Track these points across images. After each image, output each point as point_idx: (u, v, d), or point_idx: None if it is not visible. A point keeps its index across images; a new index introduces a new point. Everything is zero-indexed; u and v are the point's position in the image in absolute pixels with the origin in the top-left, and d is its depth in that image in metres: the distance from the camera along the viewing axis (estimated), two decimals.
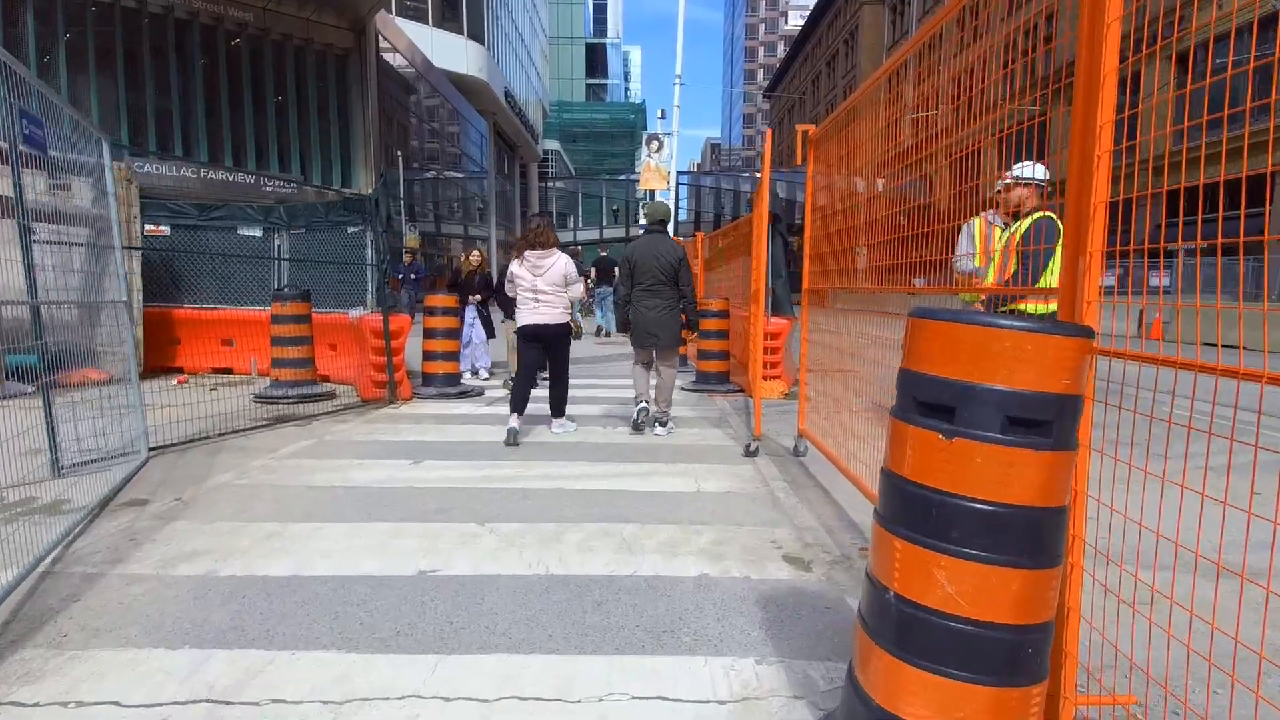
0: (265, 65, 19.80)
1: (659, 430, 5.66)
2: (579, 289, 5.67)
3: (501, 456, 4.94)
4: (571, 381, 5.98)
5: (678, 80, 20.67)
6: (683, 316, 5.72)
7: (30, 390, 8.17)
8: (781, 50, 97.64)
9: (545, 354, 5.64)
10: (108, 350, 9.38)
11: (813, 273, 4.80)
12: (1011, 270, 3.90)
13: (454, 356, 7.87)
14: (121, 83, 17.38)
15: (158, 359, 9.17)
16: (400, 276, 14.08)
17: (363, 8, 20.57)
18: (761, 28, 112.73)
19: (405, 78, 27.08)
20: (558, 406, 5.72)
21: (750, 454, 4.99)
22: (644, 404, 5.72)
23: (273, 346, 7.26)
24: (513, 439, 5.27)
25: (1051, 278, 4.28)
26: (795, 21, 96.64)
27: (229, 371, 9.38)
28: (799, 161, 4.74)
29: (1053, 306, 2.08)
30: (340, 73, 21.65)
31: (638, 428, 5.69)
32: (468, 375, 8.93)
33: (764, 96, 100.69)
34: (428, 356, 7.77)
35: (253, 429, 5.70)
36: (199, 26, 18.23)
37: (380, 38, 22.88)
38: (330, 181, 21.56)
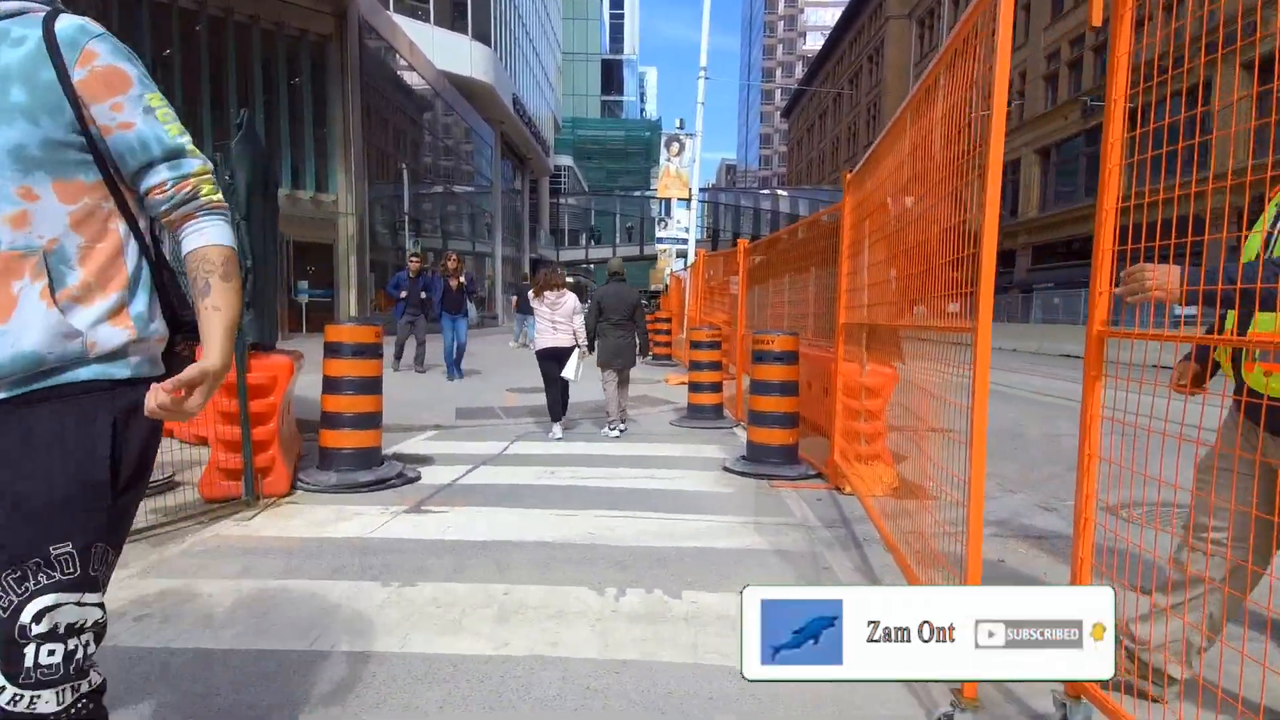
0: (227, 51, 17.21)
1: (619, 429, 6.96)
2: (580, 320, 6.80)
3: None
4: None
5: (702, 74, 17.95)
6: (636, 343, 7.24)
7: None
8: (800, 71, 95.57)
9: (557, 367, 6.74)
10: None
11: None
12: None
13: (371, 421, 4.98)
14: None
15: None
16: (398, 293, 10.70)
17: None
18: (779, 49, 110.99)
19: (401, 76, 24.59)
20: (558, 410, 6.87)
21: None
22: (617, 421, 7.00)
23: None
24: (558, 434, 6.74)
25: None
26: (814, 42, 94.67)
27: None
28: (1096, 21, 1.87)
29: None
30: (317, 63, 19.03)
31: (612, 426, 6.97)
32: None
33: (782, 116, 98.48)
34: (328, 422, 4.91)
35: None
36: (148, 3, 15.72)
37: (368, 29, 20.38)
38: (303, 185, 18.91)
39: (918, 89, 3.09)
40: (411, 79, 25.58)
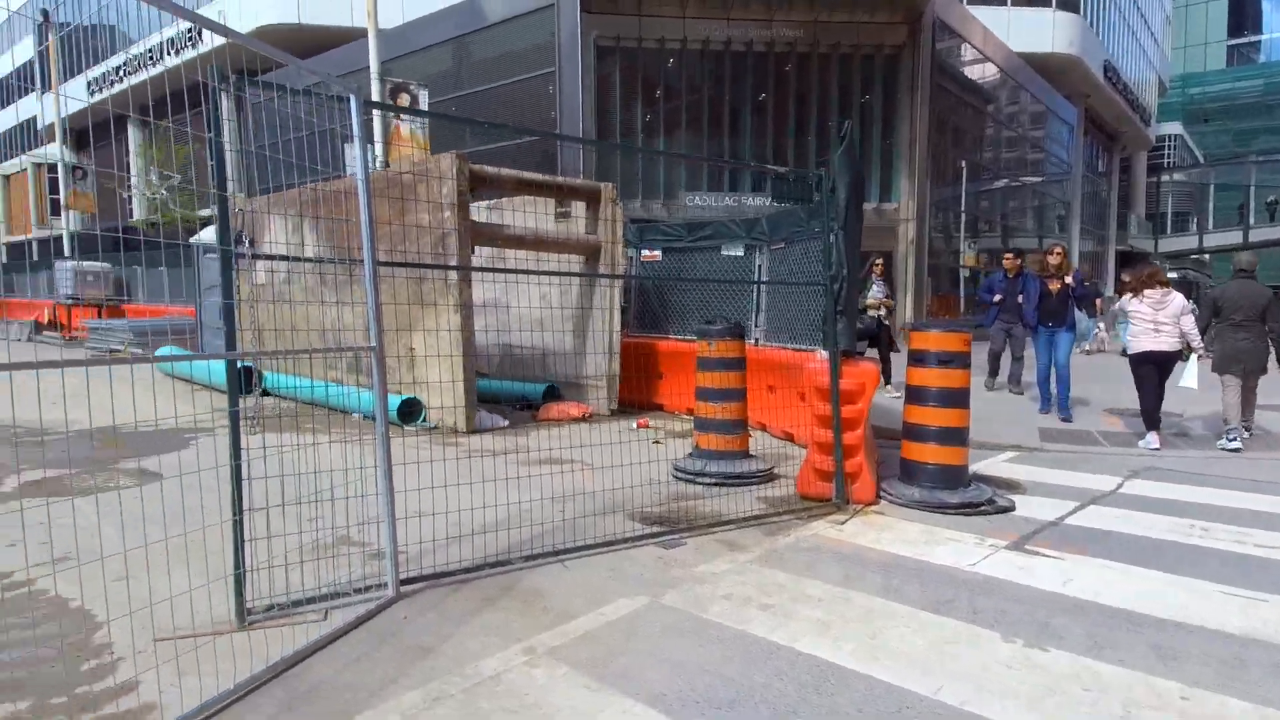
0: (811, 82, 18.98)
1: (1238, 441, 6.18)
2: (1190, 321, 6.19)
3: None
4: None
5: None
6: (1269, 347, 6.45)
7: (504, 424, 8.12)
8: None
9: (1159, 374, 6.29)
10: (592, 384, 9.06)
11: None
12: None
13: (956, 437, 4.56)
14: (684, 120, 18.83)
15: (644, 394, 8.46)
16: (994, 298, 9.07)
17: None
18: None
19: (968, 72, 23.31)
20: (1155, 419, 6.35)
21: None
22: (1237, 430, 6.26)
23: (697, 401, 5.30)
24: (1155, 444, 6.17)
25: None
26: None
27: None
28: None
29: None
30: (888, 75, 19.34)
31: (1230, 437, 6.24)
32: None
33: None
34: (910, 433, 4.67)
35: (587, 549, 3.61)
36: (752, 55, 18.50)
37: (941, 29, 19.83)
38: (869, 197, 19.55)
39: None
40: (982, 70, 24.03)
